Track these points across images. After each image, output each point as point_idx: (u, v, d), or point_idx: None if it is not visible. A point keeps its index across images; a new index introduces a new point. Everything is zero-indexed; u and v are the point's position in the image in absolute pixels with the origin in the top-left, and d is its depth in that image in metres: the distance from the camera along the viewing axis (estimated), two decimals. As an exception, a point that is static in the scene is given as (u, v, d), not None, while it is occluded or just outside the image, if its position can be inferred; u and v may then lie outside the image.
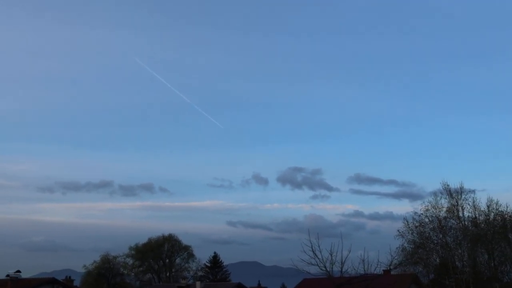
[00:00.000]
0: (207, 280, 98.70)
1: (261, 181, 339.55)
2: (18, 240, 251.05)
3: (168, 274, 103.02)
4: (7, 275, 61.75)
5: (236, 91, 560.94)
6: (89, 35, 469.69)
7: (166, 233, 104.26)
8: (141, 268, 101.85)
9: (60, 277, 76.60)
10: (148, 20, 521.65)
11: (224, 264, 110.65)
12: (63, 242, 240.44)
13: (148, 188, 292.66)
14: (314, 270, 34.93)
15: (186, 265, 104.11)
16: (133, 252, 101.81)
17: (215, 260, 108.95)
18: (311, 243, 33.10)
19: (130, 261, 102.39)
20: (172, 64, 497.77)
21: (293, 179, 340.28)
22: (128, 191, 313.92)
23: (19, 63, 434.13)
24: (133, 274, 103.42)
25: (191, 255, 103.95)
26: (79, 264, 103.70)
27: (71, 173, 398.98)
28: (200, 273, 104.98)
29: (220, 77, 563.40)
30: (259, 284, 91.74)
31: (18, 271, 62.78)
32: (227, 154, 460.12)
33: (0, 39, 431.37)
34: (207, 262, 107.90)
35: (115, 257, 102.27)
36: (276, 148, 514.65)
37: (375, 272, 35.85)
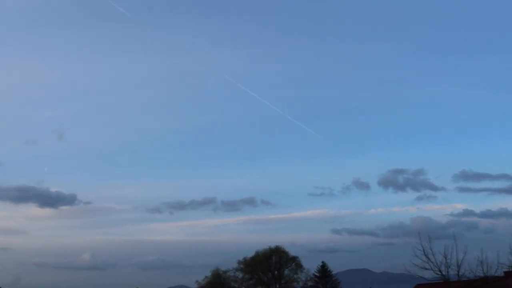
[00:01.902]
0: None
1: (362, 186, 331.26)
2: (132, 260, 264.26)
3: (277, 286, 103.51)
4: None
5: (328, 99, 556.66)
6: (178, 59, 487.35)
7: (273, 245, 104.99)
8: (251, 281, 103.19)
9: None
10: (232, 35, 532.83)
11: (333, 273, 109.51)
12: (174, 260, 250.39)
13: (250, 202, 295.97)
14: (428, 274, 33.80)
15: (295, 276, 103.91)
16: (242, 266, 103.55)
17: (324, 269, 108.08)
18: (422, 246, 32.13)
19: (240, 274, 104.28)
20: (261, 77, 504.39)
21: (395, 181, 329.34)
22: (231, 206, 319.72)
23: (124, 93, 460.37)
24: (243, 287, 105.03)
25: (299, 266, 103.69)
26: (191, 280, 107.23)
27: (175, 193, 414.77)
28: (309, 283, 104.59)
29: (311, 85, 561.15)
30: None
31: (137, 289, 66.05)
32: (325, 161, 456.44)
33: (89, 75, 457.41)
34: (315, 272, 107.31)
35: (225, 272, 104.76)
36: (373, 151, 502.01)
37: (495, 275, 33.76)
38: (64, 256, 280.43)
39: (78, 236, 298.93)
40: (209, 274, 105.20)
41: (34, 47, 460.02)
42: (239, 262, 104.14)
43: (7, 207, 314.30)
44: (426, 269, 33.02)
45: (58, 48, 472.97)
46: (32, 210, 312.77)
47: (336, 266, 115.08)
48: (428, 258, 32.34)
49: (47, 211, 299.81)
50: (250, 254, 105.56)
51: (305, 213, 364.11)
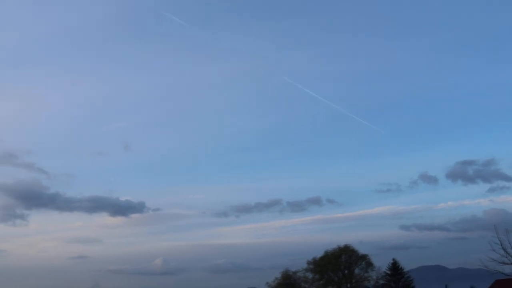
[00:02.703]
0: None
1: (430, 180, 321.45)
2: (202, 264, 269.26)
3: (348, 285, 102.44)
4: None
5: (389, 93, 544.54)
6: (238, 63, 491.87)
7: (341, 244, 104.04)
8: (321, 281, 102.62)
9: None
10: (289, 36, 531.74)
11: (405, 270, 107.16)
12: (243, 262, 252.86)
13: (315, 202, 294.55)
14: (508, 269, 32.38)
15: (366, 274, 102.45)
16: (311, 266, 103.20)
17: (395, 267, 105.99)
18: (499, 240, 30.83)
19: (309, 275, 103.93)
20: (320, 76, 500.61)
21: (464, 173, 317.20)
22: (296, 207, 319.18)
23: (186, 100, 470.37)
24: (314, 287, 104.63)
25: (369, 264, 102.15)
26: (261, 282, 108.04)
27: (241, 196, 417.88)
28: (381, 282, 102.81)
29: (370, 81, 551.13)
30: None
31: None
32: (390, 157, 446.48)
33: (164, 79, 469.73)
34: (386, 270, 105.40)
35: (295, 273, 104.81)
36: (439, 144, 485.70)
37: None
38: (138, 262, 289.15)
39: (150, 243, 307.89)
40: (279, 275, 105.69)
41: (97, 60, 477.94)
42: (308, 263, 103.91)
43: (82, 217, 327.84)
44: (505, 263, 31.60)
45: (121, 61, 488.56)
46: (105, 219, 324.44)
47: (407, 263, 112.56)
48: (507, 252, 30.98)
49: (119, 219, 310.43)
50: (319, 254, 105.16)
51: (372, 210, 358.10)
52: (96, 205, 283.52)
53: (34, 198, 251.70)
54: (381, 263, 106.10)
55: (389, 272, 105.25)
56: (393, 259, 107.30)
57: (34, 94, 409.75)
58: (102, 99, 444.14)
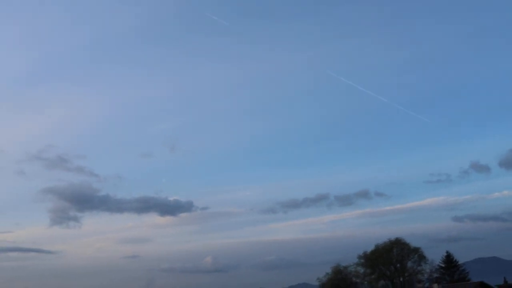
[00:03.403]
0: (444, 282, 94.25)
1: (482, 169, 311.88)
2: (252, 261, 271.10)
3: (401, 279, 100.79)
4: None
5: (434, 81, 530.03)
6: (278, 60, 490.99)
7: (392, 238, 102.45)
8: (373, 276, 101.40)
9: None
10: (327, 29, 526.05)
11: (459, 262, 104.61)
12: (293, 258, 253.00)
13: (364, 195, 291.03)
14: None
15: (419, 268, 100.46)
16: (362, 260, 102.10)
17: (449, 260, 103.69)
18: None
19: (361, 269, 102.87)
20: (362, 68, 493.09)
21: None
22: (344, 201, 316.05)
23: (229, 98, 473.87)
24: (366, 282, 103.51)
25: (422, 257, 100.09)
26: (312, 277, 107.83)
27: (288, 192, 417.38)
28: (435, 275, 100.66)
29: (413, 70, 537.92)
30: (505, 282, 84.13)
31: (261, 289, 67.55)
32: (439, 146, 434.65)
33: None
34: (440, 263, 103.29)
35: (345, 267, 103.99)
36: (490, 131, 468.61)
37: None
38: (188, 261, 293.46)
39: (199, 241, 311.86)
40: (329, 270, 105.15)
41: (141, 63, 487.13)
42: (359, 257, 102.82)
43: (132, 218, 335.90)
44: None
45: (163, 63, 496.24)
46: (155, 218, 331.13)
47: (462, 256, 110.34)
48: None
49: (168, 219, 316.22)
50: (369, 248, 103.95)
51: (422, 202, 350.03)
52: (145, 206, 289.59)
53: (86, 201, 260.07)
54: (434, 256, 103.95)
55: (443, 265, 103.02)
56: (447, 252, 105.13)
57: (82, 100, 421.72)
58: (147, 101, 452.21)
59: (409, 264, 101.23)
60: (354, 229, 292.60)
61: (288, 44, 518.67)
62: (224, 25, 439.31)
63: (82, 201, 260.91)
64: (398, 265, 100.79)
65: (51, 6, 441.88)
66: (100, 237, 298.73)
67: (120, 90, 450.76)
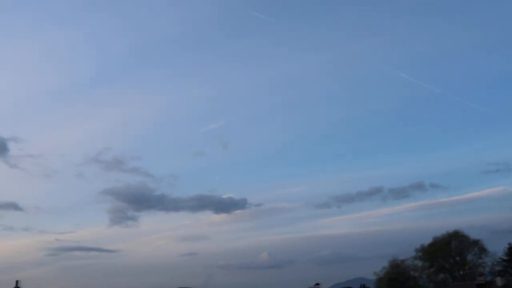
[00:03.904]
0: (508, 275, 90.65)
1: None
2: (308, 256, 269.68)
3: (461, 272, 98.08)
4: (309, 288, 66.82)
5: (485, 68, 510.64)
6: (327, 55, 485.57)
7: (450, 230, 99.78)
8: (431, 269, 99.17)
9: (355, 286, 79.63)
10: (374, 22, 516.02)
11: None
12: (349, 253, 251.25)
13: (419, 187, 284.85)
14: None
15: (480, 260, 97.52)
16: (420, 253, 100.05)
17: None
18: None
19: (418, 263, 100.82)
20: (412, 58, 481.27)
21: None
22: (399, 193, 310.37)
23: (278, 94, 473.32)
24: (424, 275, 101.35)
25: (482, 250, 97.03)
26: (369, 271, 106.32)
27: (341, 186, 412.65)
28: (497, 268, 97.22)
29: (462, 58, 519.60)
30: None
31: (318, 284, 67.42)
32: (495, 134, 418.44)
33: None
34: (502, 255, 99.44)
35: (403, 261, 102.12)
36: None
37: None
38: (244, 257, 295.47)
39: (254, 237, 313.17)
40: (386, 264, 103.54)
41: (191, 65, 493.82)
42: (416, 250, 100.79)
43: (188, 216, 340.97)
44: None
45: (213, 64, 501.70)
46: (210, 216, 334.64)
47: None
48: None
49: (223, 216, 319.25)
50: (427, 240, 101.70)
51: (480, 192, 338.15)
52: (200, 204, 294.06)
53: (143, 201, 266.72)
54: (496, 248, 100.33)
55: (505, 258, 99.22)
56: (509, 244, 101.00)
57: (135, 102, 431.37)
58: (198, 101, 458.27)
59: (469, 257, 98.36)
60: (410, 222, 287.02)
61: (335, 39, 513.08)
62: (269, 23, 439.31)
63: (139, 201, 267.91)
64: (458, 258, 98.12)
65: (104, 12, 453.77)
66: (157, 235, 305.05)
67: (171, 92, 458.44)
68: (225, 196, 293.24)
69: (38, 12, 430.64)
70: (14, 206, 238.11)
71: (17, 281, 55.39)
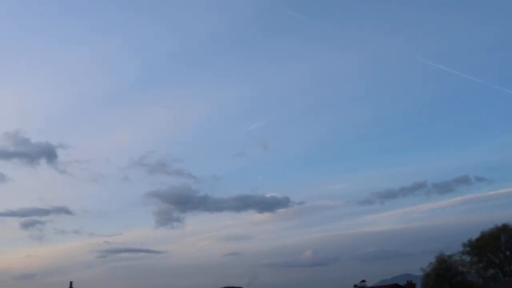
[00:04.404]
0: None
1: None
2: (352, 253, 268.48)
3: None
4: (355, 285, 66.66)
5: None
6: (362, 51, 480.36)
7: (499, 224, 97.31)
8: (480, 264, 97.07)
9: (401, 283, 78.89)
10: (404, 16, 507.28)
11: None
12: (394, 249, 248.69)
13: (463, 181, 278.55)
14: None
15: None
16: (467, 248, 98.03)
17: None
18: None
19: (466, 258, 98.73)
20: (450, 48, 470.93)
21: None
22: (443, 188, 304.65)
23: (314, 93, 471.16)
24: (473, 271, 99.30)
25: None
26: (415, 267, 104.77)
27: (383, 182, 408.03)
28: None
29: (506, 45, 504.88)
30: None
31: (363, 281, 67.18)
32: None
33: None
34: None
35: (450, 256, 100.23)
36: None
37: None
38: (288, 255, 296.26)
39: (298, 235, 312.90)
40: (432, 260, 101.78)
41: (229, 65, 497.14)
42: (464, 245, 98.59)
43: (231, 216, 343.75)
44: None
45: (253, 63, 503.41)
46: (253, 216, 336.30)
47: None
48: None
49: (266, 215, 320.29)
50: (474, 235, 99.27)
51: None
52: (243, 204, 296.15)
53: (187, 202, 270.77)
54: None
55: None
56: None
57: (175, 105, 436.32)
58: (237, 102, 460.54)
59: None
60: (456, 216, 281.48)
61: (369, 35, 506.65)
62: (305, 21, 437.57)
63: (183, 202, 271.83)
64: (508, 252, 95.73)
65: (144, 18, 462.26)
66: (201, 236, 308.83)
67: (210, 93, 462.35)
68: (267, 195, 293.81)
69: (82, 20, 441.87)
70: (65, 210, 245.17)
71: (71, 282, 57.26)
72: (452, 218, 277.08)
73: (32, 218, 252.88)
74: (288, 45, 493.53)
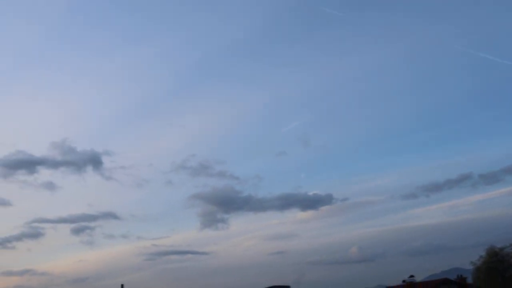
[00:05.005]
0: None
1: None
2: (399, 248, 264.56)
3: None
4: (403, 281, 65.89)
5: None
6: (403, 44, 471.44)
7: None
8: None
9: (451, 277, 77.52)
10: (443, 5, 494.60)
11: None
12: (441, 243, 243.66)
13: (511, 171, 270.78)
14: None
15: None
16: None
17: None
18: None
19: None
20: (490, 37, 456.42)
21: None
22: (490, 179, 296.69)
23: (354, 88, 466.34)
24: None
25: None
26: (464, 261, 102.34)
27: (427, 175, 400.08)
28: None
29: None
30: None
31: (412, 276, 66.34)
32: None
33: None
34: None
35: (501, 249, 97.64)
36: None
37: None
38: (334, 252, 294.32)
39: (343, 232, 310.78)
40: (483, 253, 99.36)
41: (266, 66, 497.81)
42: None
43: (275, 215, 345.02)
44: None
45: (288, 64, 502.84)
46: (297, 214, 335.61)
47: None
48: None
49: (310, 213, 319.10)
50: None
51: None
52: (286, 202, 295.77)
53: (231, 203, 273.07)
54: None
55: None
56: None
57: (214, 107, 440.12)
58: (276, 102, 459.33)
59: None
60: (505, 207, 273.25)
61: (407, 26, 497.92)
62: (340, 16, 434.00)
63: (227, 203, 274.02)
64: None
65: (175, 26, 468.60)
66: (247, 236, 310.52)
67: (249, 95, 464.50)
68: (310, 193, 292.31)
69: (120, 32, 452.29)
70: (112, 216, 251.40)
71: (122, 285, 59.05)
72: (501, 209, 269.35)
73: (81, 224, 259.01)
74: (327, 40, 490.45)
